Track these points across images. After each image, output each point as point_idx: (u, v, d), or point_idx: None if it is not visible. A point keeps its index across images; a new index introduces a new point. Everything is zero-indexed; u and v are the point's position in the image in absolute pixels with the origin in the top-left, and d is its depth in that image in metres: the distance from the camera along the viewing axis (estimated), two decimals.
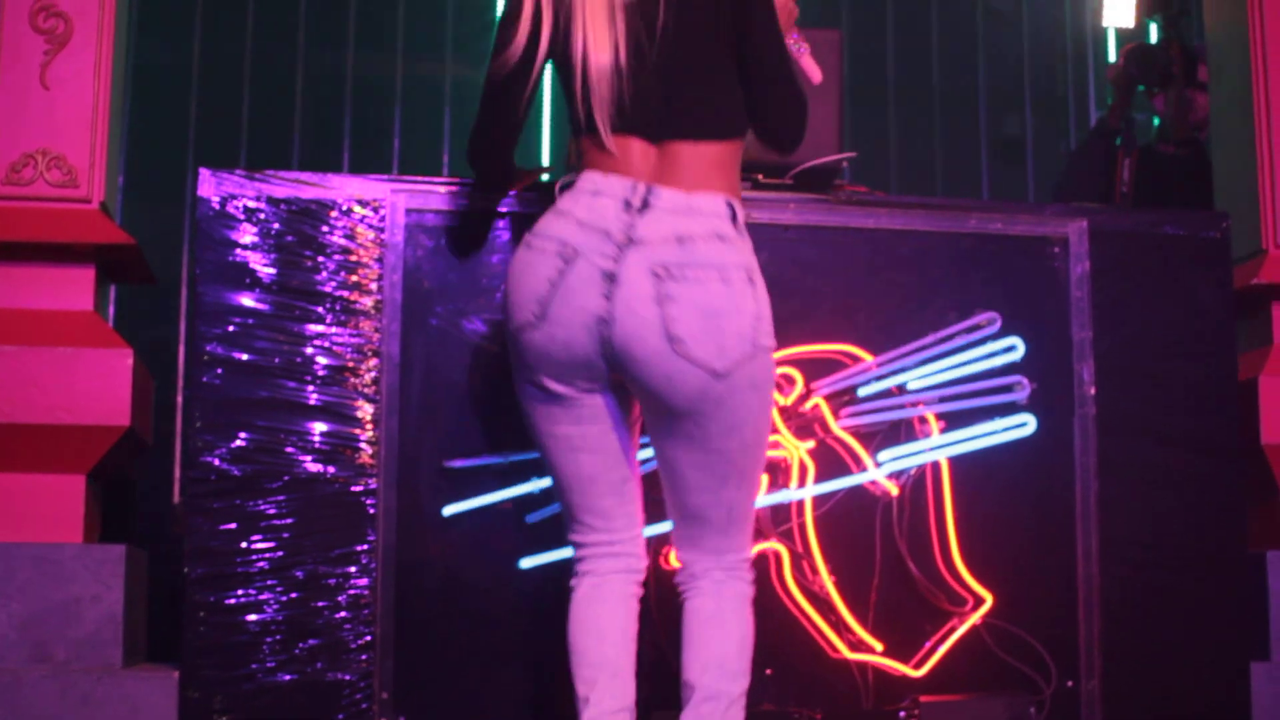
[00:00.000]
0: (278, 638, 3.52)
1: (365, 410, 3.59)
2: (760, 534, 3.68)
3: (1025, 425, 3.82)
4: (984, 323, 3.82)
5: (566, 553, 3.13)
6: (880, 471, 3.76)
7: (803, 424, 3.73)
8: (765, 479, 3.63)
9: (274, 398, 3.56)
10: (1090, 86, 7.99)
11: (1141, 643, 3.84)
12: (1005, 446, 3.81)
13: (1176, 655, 3.85)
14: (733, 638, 2.97)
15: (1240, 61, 4.65)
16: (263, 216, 3.60)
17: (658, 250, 2.84)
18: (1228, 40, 4.78)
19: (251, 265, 3.58)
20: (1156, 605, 3.86)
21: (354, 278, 3.62)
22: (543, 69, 2.99)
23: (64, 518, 3.88)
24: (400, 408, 3.60)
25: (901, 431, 3.79)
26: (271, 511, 3.54)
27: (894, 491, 3.76)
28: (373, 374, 3.60)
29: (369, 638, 3.55)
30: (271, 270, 3.59)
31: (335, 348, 3.59)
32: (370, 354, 3.60)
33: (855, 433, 3.76)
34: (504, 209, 3.65)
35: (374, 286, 3.62)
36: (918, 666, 3.74)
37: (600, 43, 2.90)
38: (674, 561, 3.11)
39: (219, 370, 3.55)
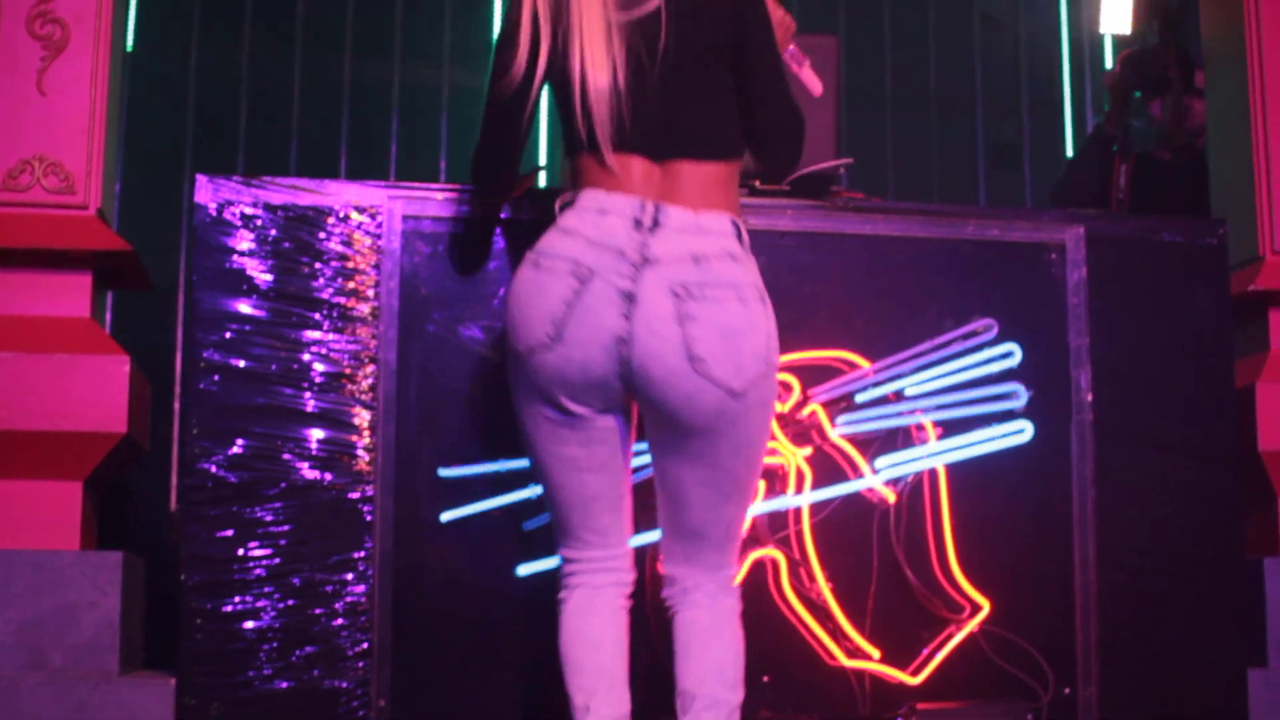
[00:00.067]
0: (275, 645, 3.52)
1: (362, 417, 3.59)
2: (757, 541, 3.68)
3: (1022, 432, 3.82)
4: (981, 329, 3.82)
5: None
6: (877, 478, 3.76)
7: (800, 430, 3.73)
8: (762, 485, 3.63)
9: (271, 404, 3.56)
10: (1087, 93, 8.00)
11: (1139, 649, 3.84)
12: (1002, 453, 3.81)
13: (1174, 662, 3.85)
14: (729, 648, 2.97)
15: (1237, 68, 4.65)
16: (260, 223, 3.60)
17: (675, 269, 2.83)
18: (1224, 47, 4.79)
19: (248, 272, 3.58)
20: (1154, 612, 3.85)
21: (351, 284, 3.61)
22: (542, 88, 2.98)
23: (61, 524, 3.88)
24: (397, 414, 3.60)
25: (899, 438, 3.79)
26: (269, 518, 3.53)
27: (891, 498, 3.76)
28: (370, 380, 3.60)
29: (366, 645, 3.55)
30: (268, 277, 3.58)
31: (332, 354, 3.59)
32: (367, 360, 3.60)
33: (852, 439, 3.76)
34: (502, 215, 3.65)
35: (371, 293, 3.62)
36: (915, 674, 3.74)
37: (598, 63, 2.88)
38: (661, 575, 3.08)
39: (216, 377, 3.55)
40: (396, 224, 3.64)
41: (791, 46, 3.33)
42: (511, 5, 2.97)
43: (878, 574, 3.75)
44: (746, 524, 3.55)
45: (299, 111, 7.32)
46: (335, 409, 3.58)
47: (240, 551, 3.52)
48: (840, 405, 3.76)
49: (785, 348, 3.51)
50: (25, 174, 4.01)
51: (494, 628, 3.62)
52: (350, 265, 3.62)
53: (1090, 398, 3.85)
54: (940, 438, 3.78)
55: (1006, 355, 3.82)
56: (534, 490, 3.58)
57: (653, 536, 3.33)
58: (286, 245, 3.60)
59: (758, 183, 3.79)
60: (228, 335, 3.56)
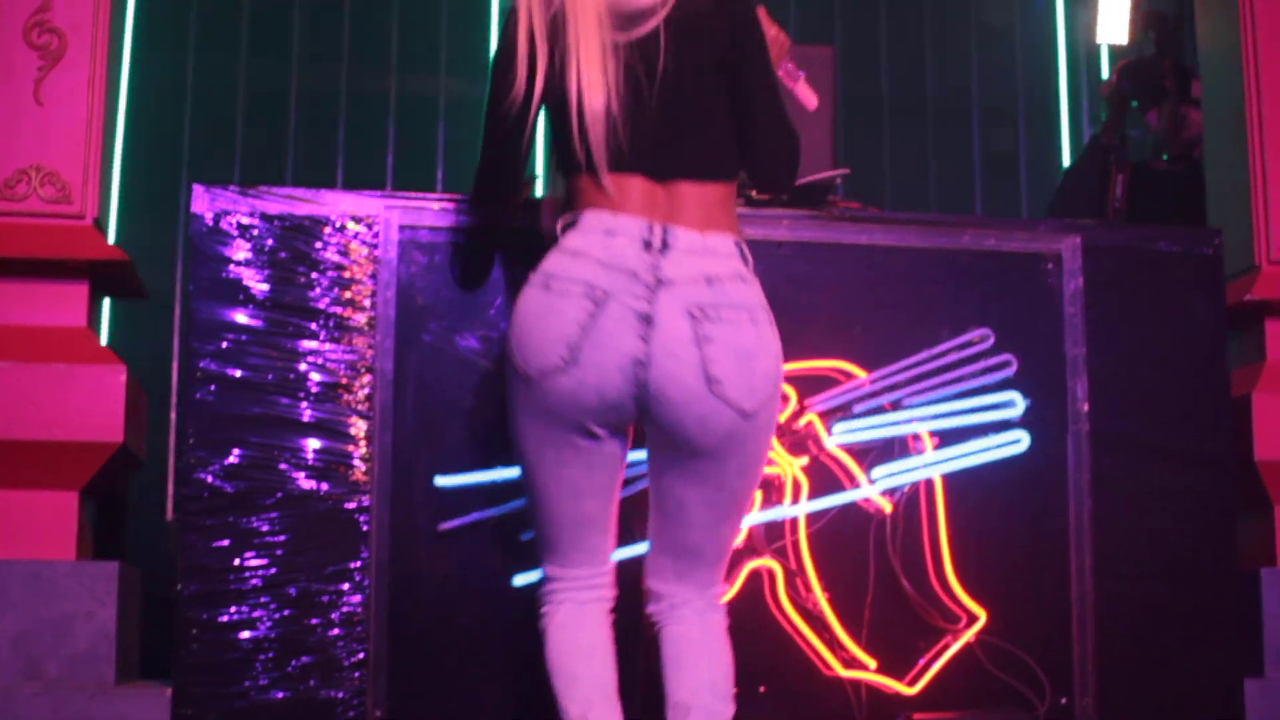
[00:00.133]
0: (271, 655, 3.52)
1: (359, 426, 3.59)
2: (754, 551, 3.68)
3: (1019, 442, 3.82)
4: (977, 339, 3.83)
5: None
6: (874, 488, 3.75)
7: (796, 441, 3.73)
8: (759, 495, 3.63)
9: (267, 414, 3.56)
10: (1084, 102, 8.01)
11: (1136, 659, 3.84)
12: (999, 463, 3.81)
13: (1171, 672, 3.85)
14: (721, 662, 2.96)
15: (1233, 78, 4.66)
16: (256, 233, 3.60)
17: (689, 291, 2.82)
18: (1221, 57, 4.79)
19: (245, 281, 3.58)
20: (1150, 622, 3.85)
21: (347, 294, 3.61)
22: (540, 108, 2.96)
23: (57, 534, 3.88)
24: (394, 424, 3.60)
25: (895, 448, 3.79)
26: (265, 528, 3.53)
27: (887, 508, 3.76)
28: (366, 390, 3.60)
29: (362, 655, 3.55)
30: (265, 286, 3.58)
31: (329, 364, 3.59)
32: (364, 370, 3.60)
33: (849, 449, 3.76)
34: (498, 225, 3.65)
35: (367, 303, 3.62)
36: (911, 684, 3.74)
37: (595, 84, 2.85)
38: (646, 590, 3.06)
39: (212, 386, 3.55)
40: (393, 234, 3.64)
41: (786, 63, 3.33)
42: (508, 25, 2.95)
43: (874, 584, 3.74)
44: (741, 536, 3.57)
45: (296, 121, 7.33)
46: (332, 419, 3.58)
47: (236, 561, 3.52)
48: (837, 415, 3.76)
49: (782, 357, 3.52)
50: (22, 183, 4.01)
51: (490, 637, 3.61)
52: (347, 275, 3.62)
53: (1087, 407, 3.85)
54: (937, 447, 3.78)
55: (1003, 365, 3.82)
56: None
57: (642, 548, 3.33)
58: (283, 255, 3.60)
59: (754, 192, 3.79)
60: (224, 345, 3.56)
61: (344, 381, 3.59)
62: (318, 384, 3.58)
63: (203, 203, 3.60)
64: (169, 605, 3.55)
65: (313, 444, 3.57)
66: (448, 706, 3.60)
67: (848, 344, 3.79)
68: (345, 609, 3.55)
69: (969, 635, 3.75)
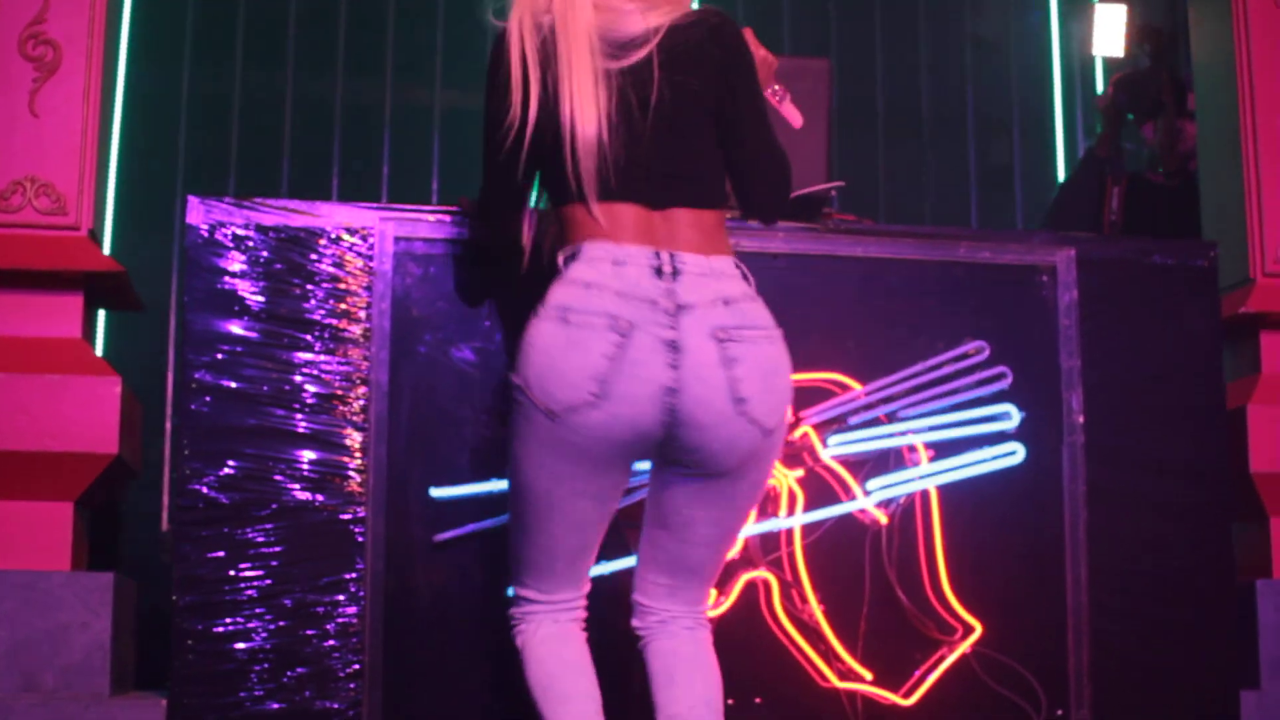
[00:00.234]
0: (266, 666, 3.51)
1: (354, 438, 3.59)
2: (749, 562, 3.68)
3: (1014, 454, 3.82)
4: (973, 351, 3.83)
5: None
6: (869, 500, 3.76)
7: (792, 452, 3.73)
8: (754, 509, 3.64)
9: (263, 425, 3.56)
10: (1079, 115, 8.02)
11: (1131, 671, 3.84)
12: (994, 475, 3.81)
13: (1166, 684, 3.85)
14: (712, 678, 2.95)
15: (1227, 91, 4.67)
16: (251, 244, 3.60)
17: (710, 314, 2.80)
18: (1215, 70, 4.81)
19: (240, 293, 3.58)
20: (1146, 634, 3.85)
21: (343, 305, 3.61)
22: (535, 131, 2.93)
23: (52, 545, 3.88)
24: (389, 435, 3.60)
25: (890, 460, 3.79)
26: (260, 539, 3.53)
27: (883, 520, 3.76)
28: (361, 402, 3.60)
29: (357, 666, 3.54)
30: (260, 298, 3.58)
31: (324, 375, 3.59)
32: (359, 382, 3.60)
33: (844, 461, 3.76)
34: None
35: (363, 314, 3.62)
36: (907, 695, 3.73)
37: (587, 114, 2.83)
38: (634, 603, 3.04)
39: (208, 398, 3.55)
40: (388, 245, 3.64)
41: (772, 83, 3.33)
42: (498, 49, 2.91)
43: (870, 596, 3.74)
44: (737, 548, 3.57)
45: (291, 133, 7.33)
46: (327, 430, 3.58)
47: (231, 572, 3.52)
48: (832, 427, 3.76)
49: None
50: (17, 195, 4.01)
51: (486, 649, 3.60)
52: (342, 287, 3.62)
53: (1082, 419, 3.86)
54: (932, 459, 3.78)
55: (998, 377, 3.82)
56: None
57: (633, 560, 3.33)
58: (278, 266, 3.60)
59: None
60: (219, 356, 3.56)
61: (339, 393, 3.59)
62: (313, 395, 3.58)
63: (198, 214, 3.60)
64: (164, 616, 3.55)
65: (308, 455, 3.56)
66: (443, 717, 3.59)
67: (843, 356, 3.79)
68: (340, 620, 3.54)
69: (965, 647, 3.75)
